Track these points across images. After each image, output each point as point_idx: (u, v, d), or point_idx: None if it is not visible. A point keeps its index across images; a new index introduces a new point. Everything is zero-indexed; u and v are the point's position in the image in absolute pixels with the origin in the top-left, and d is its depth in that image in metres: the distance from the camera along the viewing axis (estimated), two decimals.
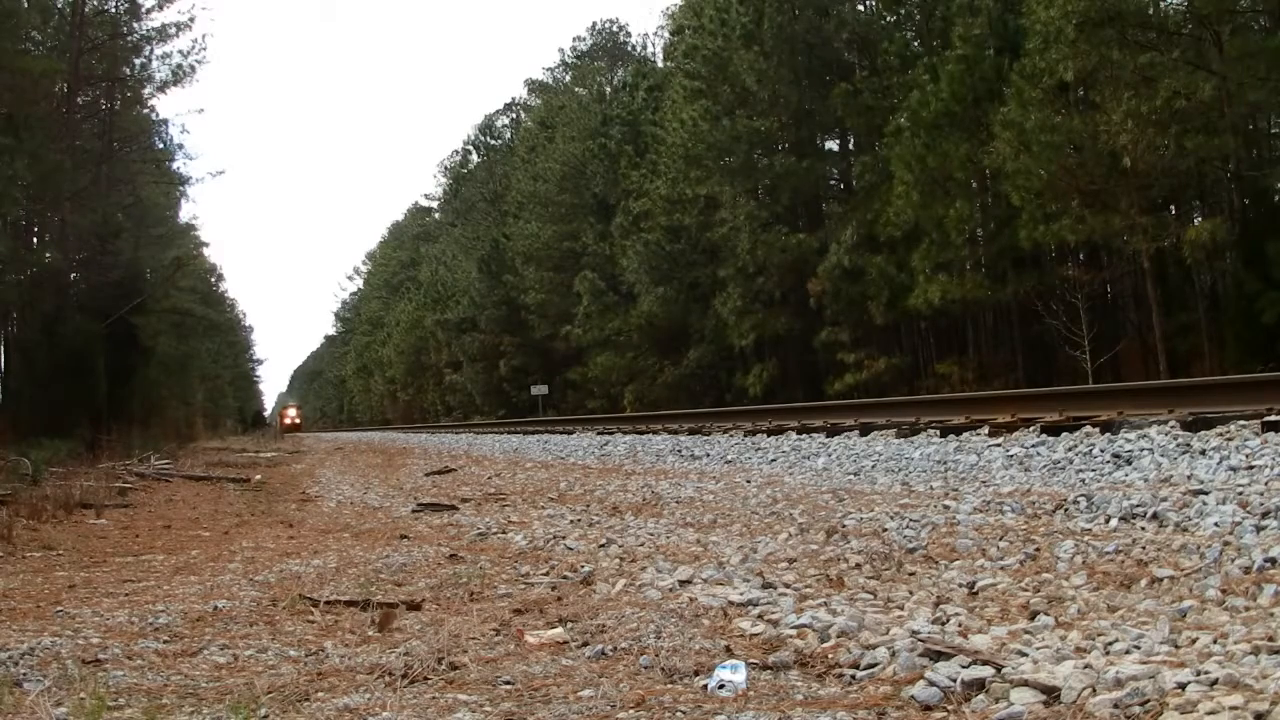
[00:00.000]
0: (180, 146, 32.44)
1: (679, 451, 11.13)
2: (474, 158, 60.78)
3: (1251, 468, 5.04)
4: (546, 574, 4.25)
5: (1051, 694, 2.20)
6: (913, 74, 21.15)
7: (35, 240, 22.10)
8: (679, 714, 2.33)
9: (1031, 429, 7.69)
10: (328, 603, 3.74)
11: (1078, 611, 2.97)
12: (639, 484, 7.80)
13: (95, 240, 21.21)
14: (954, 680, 2.35)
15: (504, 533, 5.69)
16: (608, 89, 41.43)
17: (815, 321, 25.14)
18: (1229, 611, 2.80)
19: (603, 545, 4.83)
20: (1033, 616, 2.95)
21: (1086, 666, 2.35)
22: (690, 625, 3.12)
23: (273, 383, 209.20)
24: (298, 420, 74.69)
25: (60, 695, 2.56)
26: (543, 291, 38.72)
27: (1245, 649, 2.38)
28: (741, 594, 3.46)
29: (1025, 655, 2.51)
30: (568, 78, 50.46)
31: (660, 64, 39.50)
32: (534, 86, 54.78)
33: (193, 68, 22.98)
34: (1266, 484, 4.51)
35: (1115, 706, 2.09)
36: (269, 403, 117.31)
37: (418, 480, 11.08)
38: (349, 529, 6.50)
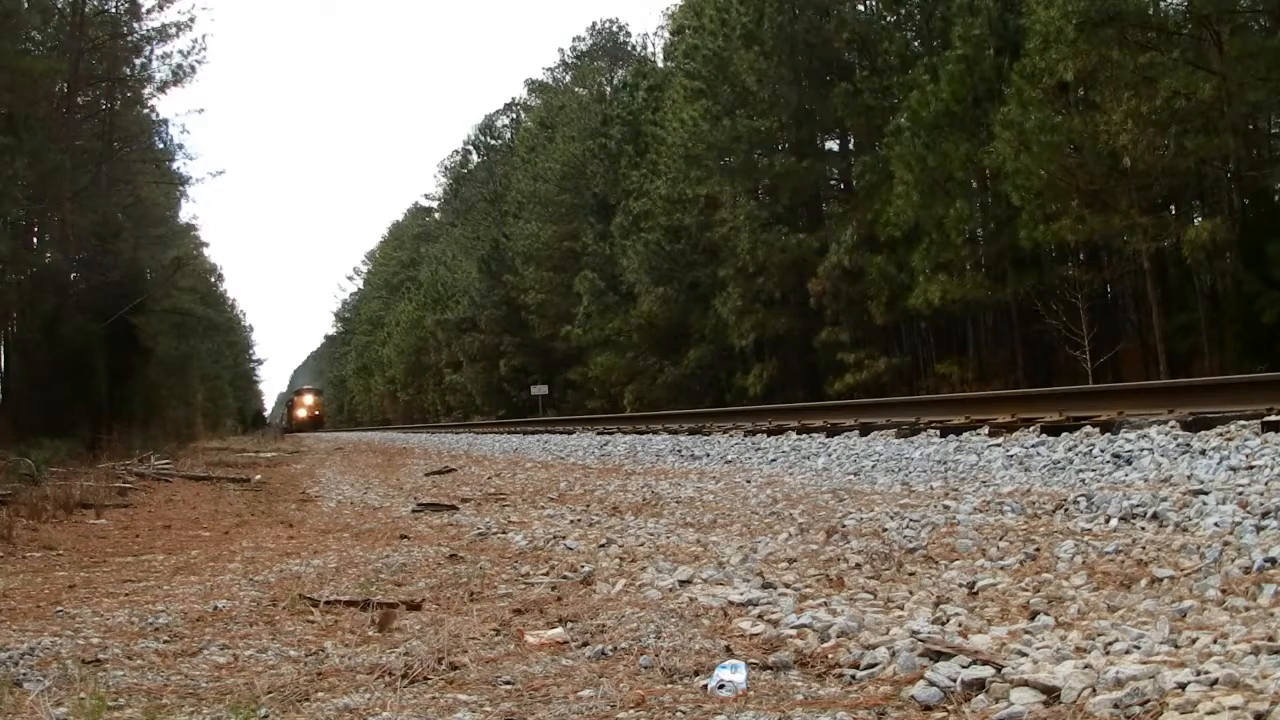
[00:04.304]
0: (180, 146, 32.48)
1: (679, 451, 11.12)
2: (474, 158, 60.82)
3: (1251, 468, 5.03)
4: (546, 574, 4.24)
5: (1051, 694, 2.20)
6: (913, 74, 21.15)
7: (35, 240, 22.11)
8: (679, 714, 2.33)
9: (1031, 429, 7.68)
10: (328, 603, 3.74)
11: (1078, 611, 2.97)
12: (639, 484, 7.80)
13: (95, 240, 21.21)
14: (954, 680, 2.35)
15: (504, 533, 5.68)
16: (608, 89, 41.42)
17: (815, 321, 25.14)
18: (1229, 611, 2.79)
19: (603, 545, 4.83)
20: (1033, 616, 2.95)
21: (1086, 666, 2.35)
22: (690, 625, 3.12)
23: (273, 383, 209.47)
24: (317, 412, 57.99)
25: (60, 695, 2.56)
26: (543, 291, 38.73)
27: (1245, 649, 2.38)
28: (741, 594, 3.46)
29: (1025, 655, 2.51)
30: (568, 78, 50.44)
31: (660, 64, 39.45)
32: (534, 86, 54.78)
33: (193, 68, 23.02)
34: (1266, 484, 4.50)
35: (1115, 706, 2.09)
36: (269, 403, 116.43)
37: (418, 480, 11.08)
38: (349, 529, 6.50)
